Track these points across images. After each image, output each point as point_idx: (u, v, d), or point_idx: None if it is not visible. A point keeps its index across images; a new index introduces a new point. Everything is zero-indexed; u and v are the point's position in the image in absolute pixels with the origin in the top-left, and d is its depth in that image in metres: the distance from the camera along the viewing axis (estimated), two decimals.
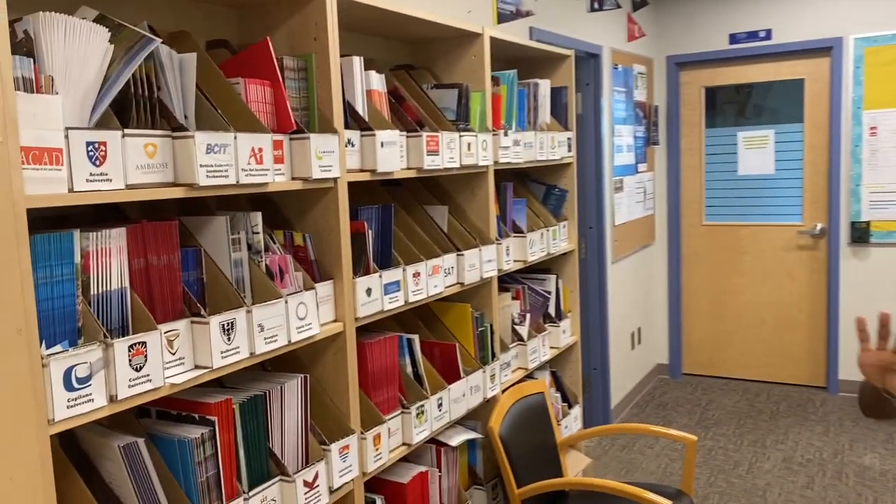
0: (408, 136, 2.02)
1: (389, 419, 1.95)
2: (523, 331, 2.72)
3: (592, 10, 4.15)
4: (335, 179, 1.72)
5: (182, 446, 1.41)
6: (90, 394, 1.18)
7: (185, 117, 1.39)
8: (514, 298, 2.75)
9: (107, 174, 1.22)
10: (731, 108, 5.45)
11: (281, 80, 1.61)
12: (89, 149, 1.19)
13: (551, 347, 2.96)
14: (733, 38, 4.98)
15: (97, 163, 1.21)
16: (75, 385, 1.16)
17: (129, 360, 1.24)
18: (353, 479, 1.79)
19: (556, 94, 3.04)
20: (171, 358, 1.35)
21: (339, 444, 1.73)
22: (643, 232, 5.07)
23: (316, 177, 1.64)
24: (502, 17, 3.15)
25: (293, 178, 1.63)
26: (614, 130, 4.50)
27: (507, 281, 2.86)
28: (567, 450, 3.21)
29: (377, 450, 1.88)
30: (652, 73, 5.14)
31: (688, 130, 5.27)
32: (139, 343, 1.25)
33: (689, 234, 5.35)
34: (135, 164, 1.27)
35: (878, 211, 4.64)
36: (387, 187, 2.34)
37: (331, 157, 1.68)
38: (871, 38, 4.54)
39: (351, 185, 2.17)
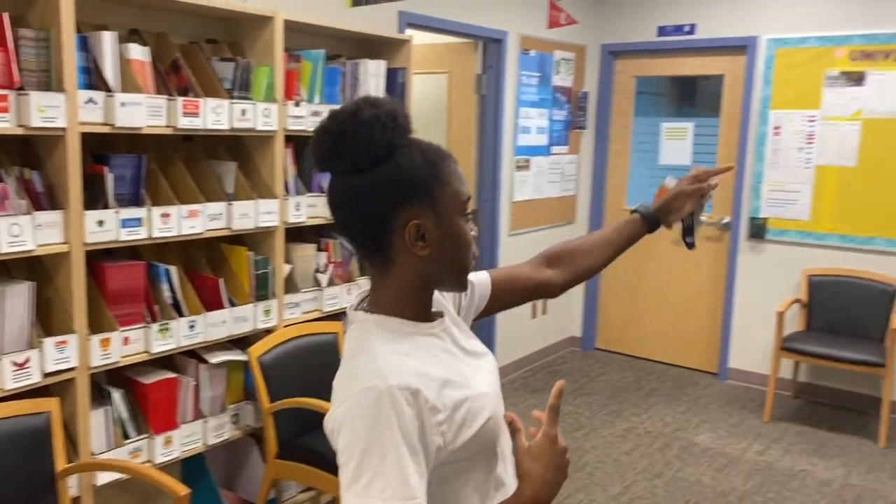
0: (168, 100, 2.44)
1: (127, 330, 2.40)
2: (323, 278, 3.12)
3: None
4: (63, 129, 2.16)
5: None
6: None
7: None
8: (320, 250, 3.15)
9: None
10: (659, 98, 5.64)
11: (11, 48, 2.05)
12: None
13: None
14: (662, 31, 5.15)
15: None
16: None
17: None
18: (73, 368, 2.25)
19: (394, 74, 3.38)
20: None
21: (55, 339, 2.20)
22: (558, 210, 5.34)
23: (36, 125, 2.08)
24: (358, 1, 3.50)
25: (19, 125, 2.08)
26: (519, 112, 4.78)
27: (324, 234, 3.24)
28: None
29: (106, 350, 2.33)
30: (583, 60, 5.36)
31: (618, 118, 5.49)
32: None
33: (612, 217, 5.58)
34: None
35: (774, 208, 4.79)
36: (185, 142, 2.76)
37: (55, 111, 2.12)
38: (782, 40, 4.66)
39: (145, 137, 2.61)
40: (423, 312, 1.14)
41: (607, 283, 5.60)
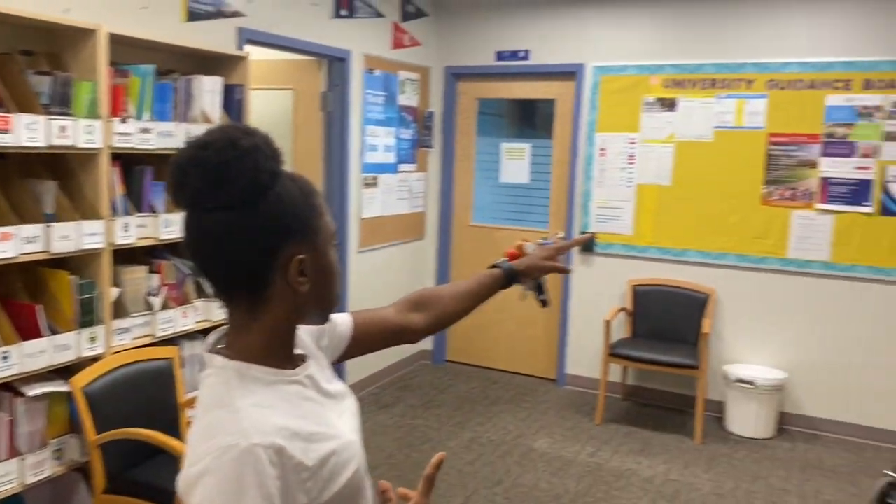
0: None
1: None
2: (156, 302, 3.01)
3: (339, 16, 4.47)
4: None
5: None
6: None
7: None
8: (152, 272, 3.04)
9: None
10: (500, 119, 5.91)
11: None
12: None
13: (203, 320, 3.25)
14: (499, 56, 5.40)
15: None
16: None
17: None
18: None
19: (231, 90, 3.33)
20: None
21: None
22: (407, 227, 5.45)
23: None
24: (194, 16, 3.42)
25: None
26: (366, 130, 4.84)
27: (157, 255, 3.13)
28: None
29: None
30: (428, 81, 5.51)
31: (461, 137, 5.68)
32: None
33: (459, 233, 5.77)
34: None
35: (602, 224, 5.15)
36: None
37: None
38: (606, 68, 5.03)
39: None
40: (287, 355, 1.08)
41: None
